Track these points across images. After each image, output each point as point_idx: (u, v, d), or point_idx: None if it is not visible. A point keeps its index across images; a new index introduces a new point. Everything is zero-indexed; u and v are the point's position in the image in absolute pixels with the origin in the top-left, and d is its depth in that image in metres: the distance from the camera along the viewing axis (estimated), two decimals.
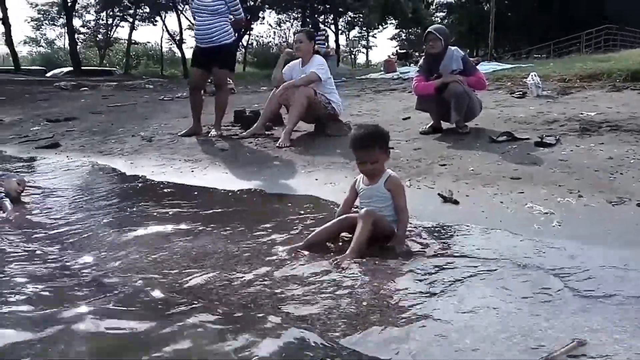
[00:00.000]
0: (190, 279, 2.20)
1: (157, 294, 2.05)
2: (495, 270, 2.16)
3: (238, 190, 3.92)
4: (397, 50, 27.56)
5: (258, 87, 12.17)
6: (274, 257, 2.42)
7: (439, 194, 3.34)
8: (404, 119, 6.03)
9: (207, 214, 3.32)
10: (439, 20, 34.66)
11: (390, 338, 1.66)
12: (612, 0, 27.32)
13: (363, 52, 39.37)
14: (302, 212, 3.24)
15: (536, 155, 4.08)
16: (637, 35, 23.84)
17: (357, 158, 2.63)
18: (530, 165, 3.83)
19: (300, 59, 5.56)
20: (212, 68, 5.84)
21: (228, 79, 6.41)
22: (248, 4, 32.92)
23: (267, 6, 34.61)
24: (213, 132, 5.93)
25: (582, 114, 5.33)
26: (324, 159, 4.61)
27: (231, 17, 5.83)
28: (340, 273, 2.17)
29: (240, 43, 37.03)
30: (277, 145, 5.20)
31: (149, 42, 46.65)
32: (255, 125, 5.85)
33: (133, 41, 38.32)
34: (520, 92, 7.01)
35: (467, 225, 2.79)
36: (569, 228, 2.69)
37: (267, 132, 5.88)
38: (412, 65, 16.40)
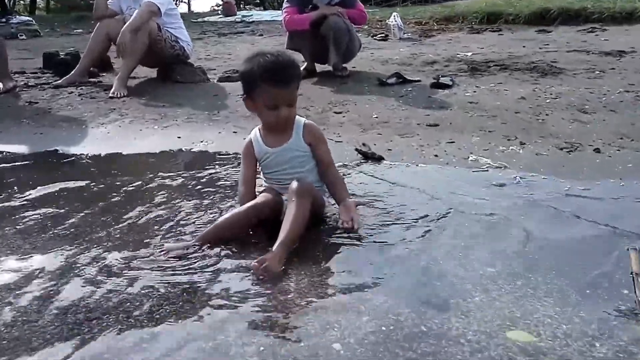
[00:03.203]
0: None
1: None
2: None
3: (46, 158, 2.67)
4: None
5: (70, 30, 9.96)
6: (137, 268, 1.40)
7: (356, 149, 2.54)
8: None
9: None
10: None
11: None
12: None
13: (185, 2, 35.97)
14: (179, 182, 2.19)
15: (439, 98, 3.51)
16: None
17: (272, 100, 1.63)
18: (439, 109, 3.25)
19: None
20: None
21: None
22: None
23: None
24: (0, 86, 4.22)
25: (458, 54, 4.96)
26: (182, 111, 3.50)
27: None
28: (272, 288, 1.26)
29: None
30: (110, 94, 3.90)
31: None
32: (74, 70, 4.41)
33: None
34: (382, 35, 6.51)
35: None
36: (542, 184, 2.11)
37: (91, 80, 4.47)
38: (252, 9, 15.18)
